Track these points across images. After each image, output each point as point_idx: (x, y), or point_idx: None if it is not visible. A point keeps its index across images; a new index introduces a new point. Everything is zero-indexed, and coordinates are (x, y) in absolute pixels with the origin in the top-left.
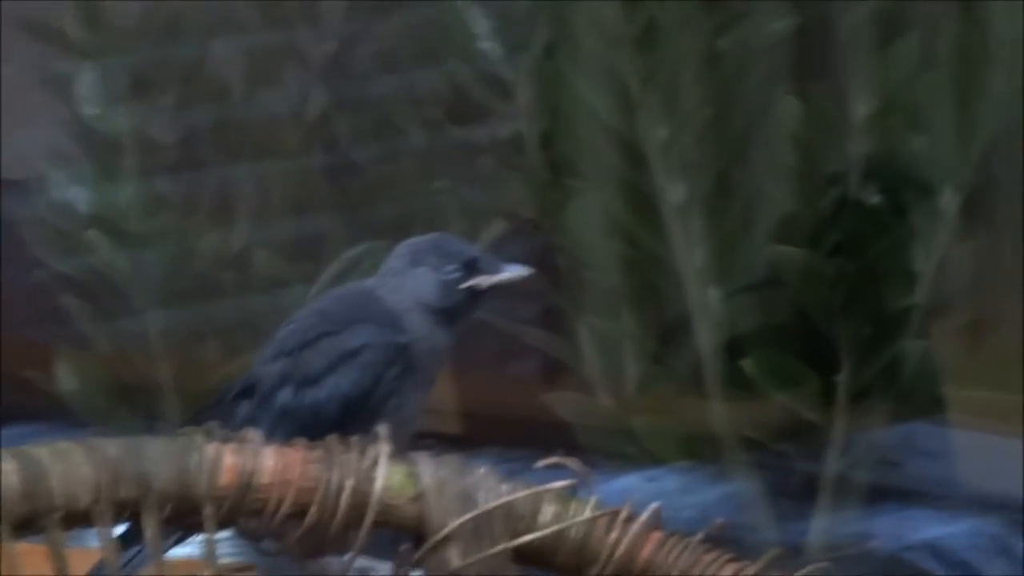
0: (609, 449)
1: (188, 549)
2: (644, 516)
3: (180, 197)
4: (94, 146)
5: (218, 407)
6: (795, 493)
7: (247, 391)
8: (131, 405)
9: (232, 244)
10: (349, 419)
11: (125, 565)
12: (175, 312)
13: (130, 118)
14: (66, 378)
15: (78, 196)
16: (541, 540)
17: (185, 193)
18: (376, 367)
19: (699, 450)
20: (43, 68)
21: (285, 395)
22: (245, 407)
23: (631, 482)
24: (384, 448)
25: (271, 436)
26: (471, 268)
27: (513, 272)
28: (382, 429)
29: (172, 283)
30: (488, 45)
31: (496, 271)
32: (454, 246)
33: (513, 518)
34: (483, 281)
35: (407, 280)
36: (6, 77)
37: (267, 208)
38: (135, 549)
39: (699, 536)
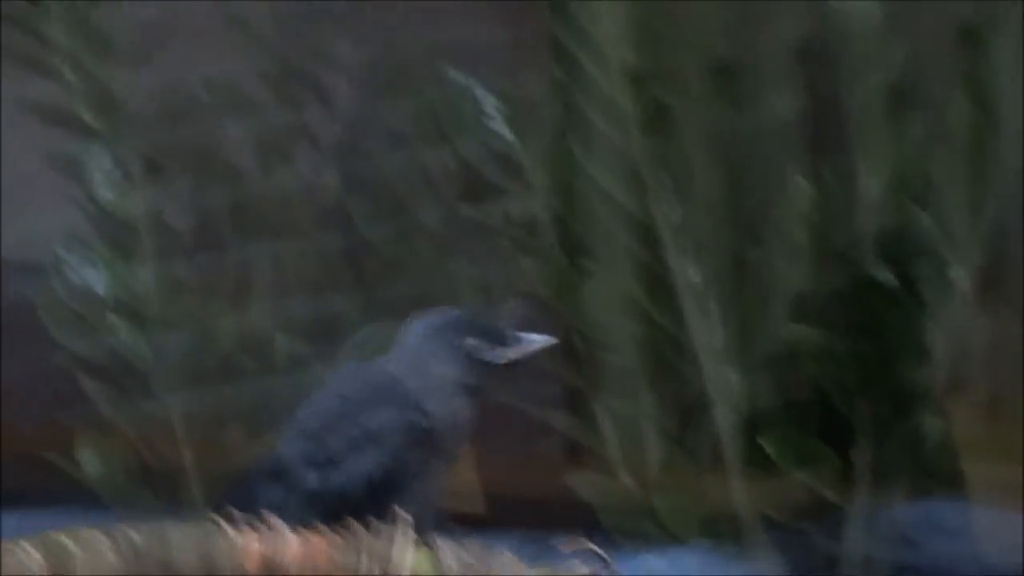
0: (630, 529)
1: None
2: None
3: (197, 279)
4: (110, 229)
5: (242, 490)
6: (816, 571)
7: (271, 473)
8: (154, 488)
9: (251, 325)
10: (374, 500)
11: None
12: (196, 394)
13: (145, 201)
14: (88, 461)
15: (95, 279)
16: None
17: (202, 275)
18: (399, 449)
19: (719, 529)
20: (55, 150)
21: (309, 477)
22: (269, 489)
23: (652, 562)
24: (407, 534)
25: (296, 518)
26: (495, 340)
27: (536, 342)
28: (405, 514)
29: (192, 366)
30: (499, 126)
31: (518, 342)
32: (476, 319)
33: None
34: (509, 353)
35: (429, 358)
36: (20, 158)
37: (284, 289)
38: None
39: None
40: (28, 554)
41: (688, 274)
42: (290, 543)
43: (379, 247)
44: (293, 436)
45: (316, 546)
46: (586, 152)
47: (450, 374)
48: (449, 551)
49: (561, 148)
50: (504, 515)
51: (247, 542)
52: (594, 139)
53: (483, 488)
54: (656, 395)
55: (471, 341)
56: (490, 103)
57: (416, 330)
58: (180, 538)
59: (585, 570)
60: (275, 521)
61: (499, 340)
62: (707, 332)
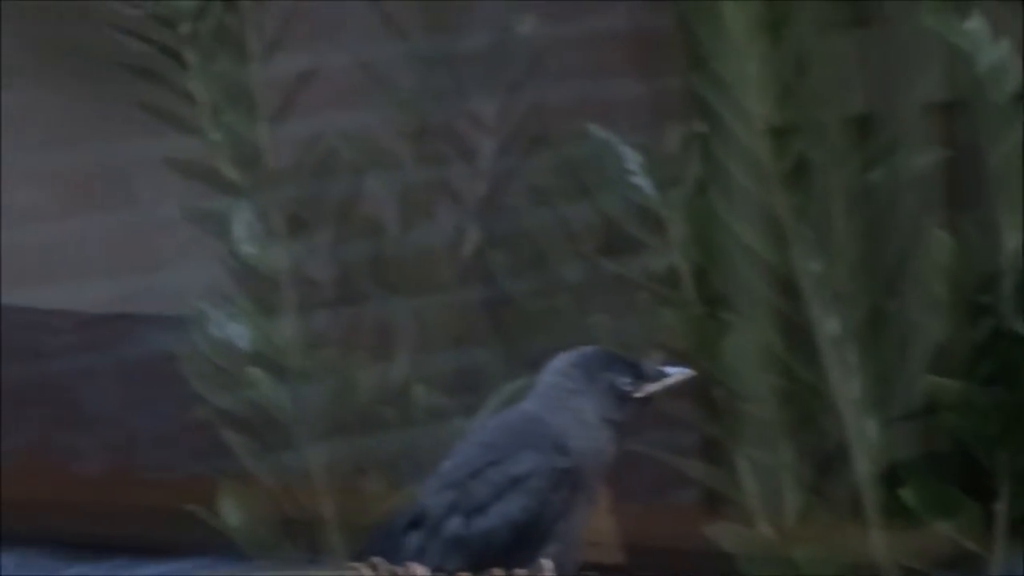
0: None
1: None
2: None
3: (338, 332)
4: (252, 283)
5: (385, 538)
6: None
7: (415, 522)
8: (294, 538)
9: (391, 378)
10: (519, 544)
11: None
12: (337, 446)
13: (287, 255)
14: (230, 512)
15: (237, 332)
16: None
17: (343, 328)
18: (543, 492)
19: None
20: (197, 205)
21: (455, 524)
22: (415, 538)
23: None
24: None
25: (442, 565)
26: (635, 374)
27: (676, 375)
28: (546, 562)
29: (333, 417)
30: (640, 180)
31: (661, 376)
32: (615, 355)
33: None
34: (649, 387)
35: (570, 394)
36: (162, 214)
37: (425, 342)
38: None
39: None
40: None
41: (827, 325)
42: None
43: (520, 301)
44: (437, 487)
45: None
46: (726, 205)
47: (592, 409)
48: None
49: (701, 201)
50: (643, 565)
51: None
52: (734, 192)
53: (622, 538)
54: (795, 445)
55: (611, 375)
56: (631, 157)
57: (556, 367)
58: None
59: None
60: (418, 569)
61: (639, 374)
62: (846, 382)
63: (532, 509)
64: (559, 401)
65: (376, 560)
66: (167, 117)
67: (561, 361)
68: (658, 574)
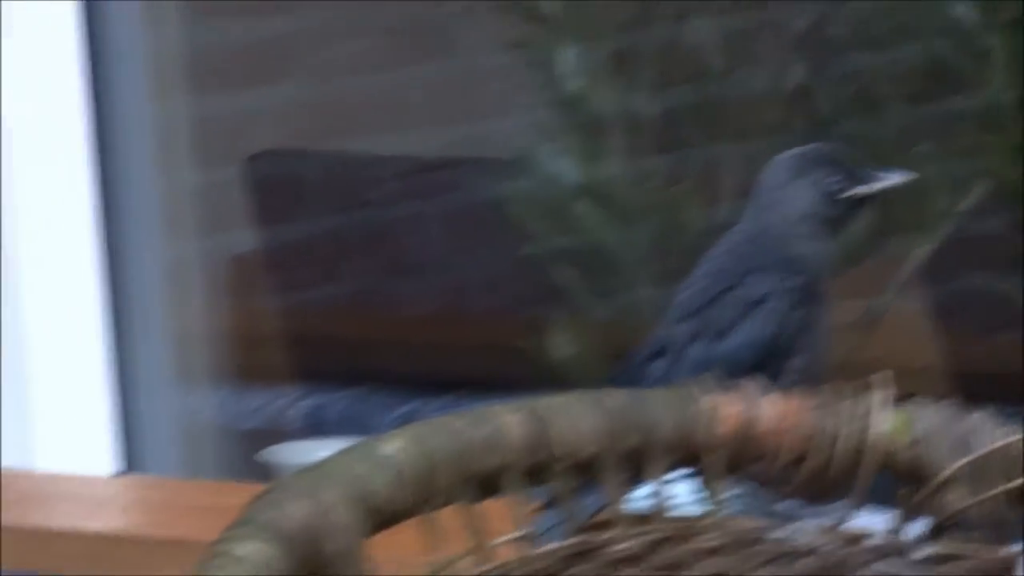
0: None
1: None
2: None
3: (663, 172)
4: (578, 120)
5: (628, 371)
6: None
7: (658, 353)
8: None
9: (716, 219)
10: (763, 363)
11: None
12: (663, 285)
13: (612, 94)
14: (559, 347)
15: (564, 168)
16: None
17: (668, 169)
18: (780, 312)
19: None
20: (518, 48)
21: (697, 350)
22: (658, 366)
23: None
24: (881, 395)
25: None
26: (852, 178)
27: (894, 178)
28: (878, 377)
29: (660, 255)
30: (963, 11)
31: (876, 179)
32: (834, 159)
33: (1009, 461)
34: (865, 190)
35: (786, 197)
36: (483, 61)
37: (749, 185)
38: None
39: None
40: (507, 417)
41: None
42: (763, 405)
43: (845, 141)
44: (675, 318)
45: (788, 408)
46: None
47: (809, 211)
48: (923, 412)
49: None
50: (968, 391)
51: (722, 406)
52: None
53: (947, 368)
54: None
55: (820, 174)
56: None
57: (776, 168)
58: (658, 403)
59: None
60: (751, 386)
61: (852, 175)
62: None
63: (771, 330)
64: (772, 209)
65: (712, 378)
66: None
67: (776, 165)
68: (988, 401)
